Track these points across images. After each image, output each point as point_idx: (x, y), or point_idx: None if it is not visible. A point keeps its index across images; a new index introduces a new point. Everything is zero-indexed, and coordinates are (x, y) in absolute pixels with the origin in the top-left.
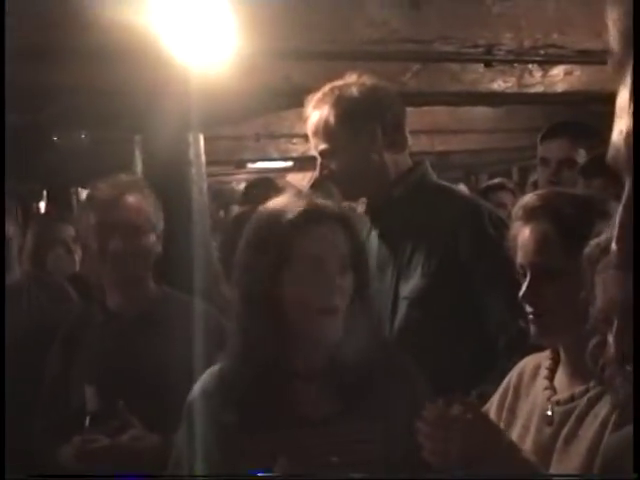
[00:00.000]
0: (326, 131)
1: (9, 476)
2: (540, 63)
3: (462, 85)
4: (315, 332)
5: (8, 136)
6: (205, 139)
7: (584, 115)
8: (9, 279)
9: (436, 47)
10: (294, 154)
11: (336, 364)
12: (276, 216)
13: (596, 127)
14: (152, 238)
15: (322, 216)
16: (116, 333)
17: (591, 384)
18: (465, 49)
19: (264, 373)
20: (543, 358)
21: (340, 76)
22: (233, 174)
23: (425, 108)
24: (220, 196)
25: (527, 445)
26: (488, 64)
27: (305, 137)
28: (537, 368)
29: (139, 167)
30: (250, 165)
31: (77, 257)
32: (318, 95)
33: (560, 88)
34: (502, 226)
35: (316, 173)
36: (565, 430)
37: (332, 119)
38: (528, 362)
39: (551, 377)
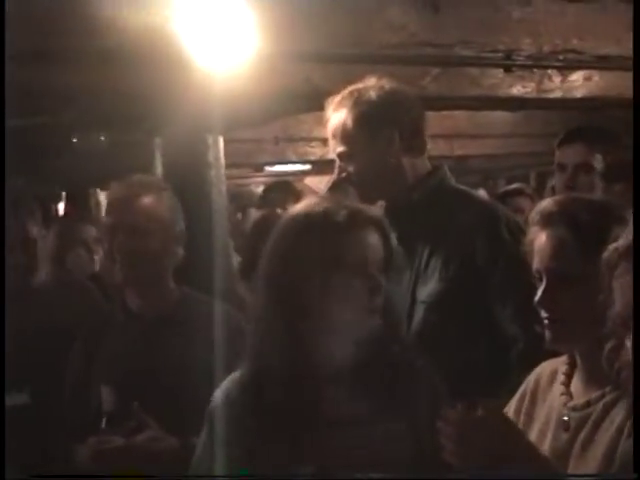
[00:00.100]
0: (344, 134)
1: (9, 476)
2: (559, 68)
3: (481, 90)
4: (361, 331)
5: (28, 138)
6: (224, 142)
7: (602, 120)
8: (35, 280)
9: (456, 51)
10: (312, 157)
11: (361, 364)
12: (321, 219)
13: (613, 132)
14: (166, 240)
15: (365, 220)
16: (136, 333)
17: (607, 389)
18: (485, 54)
19: (290, 376)
20: (560, 363)
21: (360, 79)
22: (251, 177)
23: (444, 112)
24: (238, 199)
25: (544, 450)
26: (507, 69)
27: (323, 140)
28: (554, 373)
29: (159, 169)
30: (268, 168)
31: (97, 257)
32: (337, 98)
33: (579, 93)
34: (519, 232)
35: (334, 175)
36: (582, 436)
37: (350, 122)
38: (545, 367)
39: (567, 382)
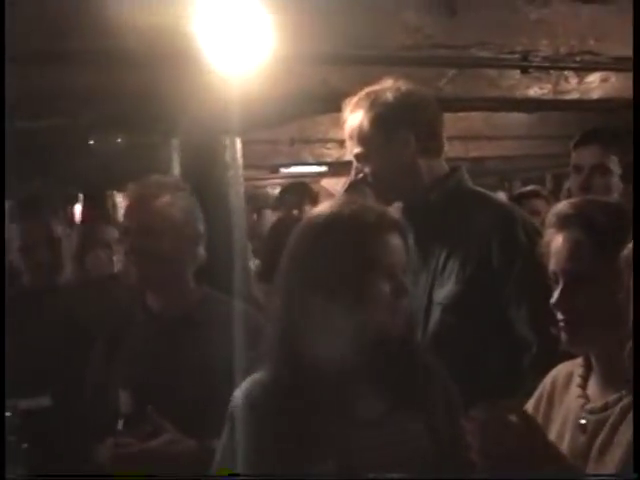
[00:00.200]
0: (360, 135)
1: (9, 476)
2: (576, 70)
3: (499, 91)
4: (384, 333)
5: (45, 139)
6: (240, 143)
7: (619, 122)
8: (60, 279)
9: (473, 53)
10: (328, 159)
11: (380, 365)
12: (352, 221)
13: (629, 133)
14: (181, 240)
15: (390, 223)
16: (156, 334)
17: (624, 392)
18: (502, 55)
19: (311, 377)
20: (575, 365)
21: (377, 81)
22: (267, 178)
23: (460, 114)
24: (253, 200)
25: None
26: (524, 70)
27: (339, 142)
28: (570, 375)
29: (176, 171)
30: (284, 170)
31: (115, 258)
32: (354, 99)
33: (596, 95)
34: (535, 234)
35: (351, 176)
36: (599, 439)
37: (366, 123)
38: (560, 369)
39: (584, 385)
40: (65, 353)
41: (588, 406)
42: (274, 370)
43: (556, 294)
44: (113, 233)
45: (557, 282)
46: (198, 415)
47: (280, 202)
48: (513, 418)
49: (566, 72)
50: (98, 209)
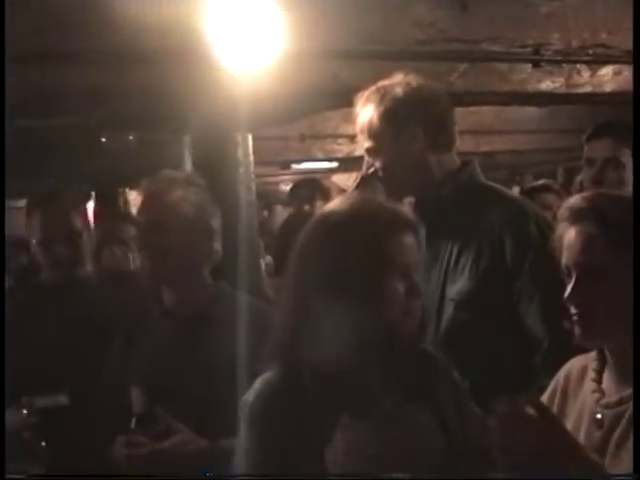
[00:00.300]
0: (371, 130)
1: (9, 476)
2: (588, 63)
3: (510, 85)
4: (395, 332)
5: (57, 138)
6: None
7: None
8: (80, 274)
9: (484, 47)
10: (339, 155)
11: (391, 362)
12: (369, 218)
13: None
14: (193, 235)
15: (405, 222)
16: (170, 330)
17: (632, 381)
18: (513, 49)
19: (321, 375)
20: (589, 360)
21: (388, 76)
22: (278, 175)
23: (470, 108)
24: (264, 196)
25: None
26: (536, 64)
27: (350, 137)
28: (584, 370)
29: (188, 167)
30: (295, 166)
31: (131, 256)
32: (366, 94)
33: (608, 88)
34: (548, 230)
35: (363, 170)
36: (616, 434)
37: (376, 118)
38: (574, 363)
39: (599, 379)
40: (83, 350)
41: (603, 401)
42: (283, 369)
43: (569, 288)
44: (130, 230)
45: (570, 276)
46: (211, 414)
47: (291, 198)
48: (532, 412)
49: (578, 65)
50: (110, 207)
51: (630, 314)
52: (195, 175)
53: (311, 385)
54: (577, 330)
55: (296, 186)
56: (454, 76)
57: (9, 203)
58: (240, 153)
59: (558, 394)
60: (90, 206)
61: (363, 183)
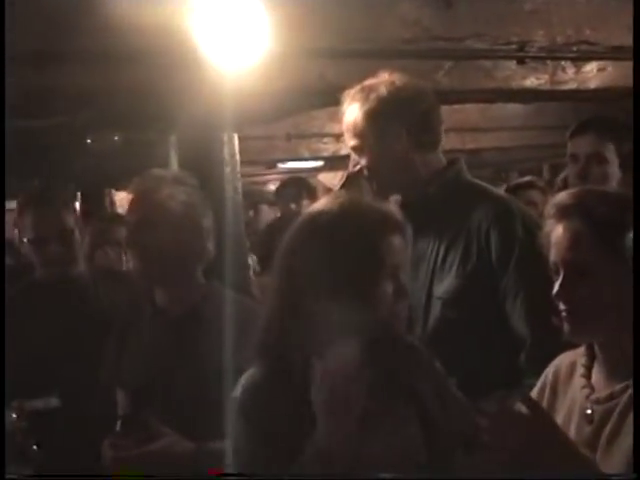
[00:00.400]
0: (355, 129)
1: (9, 476)
2: (573, 60)
3: (495, 82)
4: (391, 332)
5: (42, 138)
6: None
7: (617, 111)
8: (73, 272)
9: (468, 44)
10: (325, 154)
11: (375, 361)
12: (358, 220)
13: (624, 121)
14: (181, 234)
15: (395, 223)
16: (161, 330)
17: (630, 381)
18: (497, 46)
19: (303, 376)
20: (578, 355)
21: (373, 74)
22: (264, 174)
23: (456, 106)
24: (250, 196)
25: None
26: (521, 61)
27: (336, 136)
28: (573, 365)
29: (174, 167)
30: (281, 165)
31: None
32: (351, 92)
33: (593, 84)
34: (534, 228)
35: (349, 168)
36: (607, 429)
37: (360, 117)
38: (563, 359)
39: (588, 375)
40: (77, 349)
41: (593, 396)
42: (267, 367)
43: (557, 285)
44: (122, 231)
45: (558, 273)
46: (201, 415)
47: (278, 197)
48: (523, 409)
49: (563, 62)
50: (96, 207)
51: (618, 309)
52: (186, 174)
53: (293, 384)
54: (566, 326)
55: (283, 185)
56: (440, 74)
57: None
58: (226, 152)
59: (547, 390)
60: (76, 206)
61: (349, 182)
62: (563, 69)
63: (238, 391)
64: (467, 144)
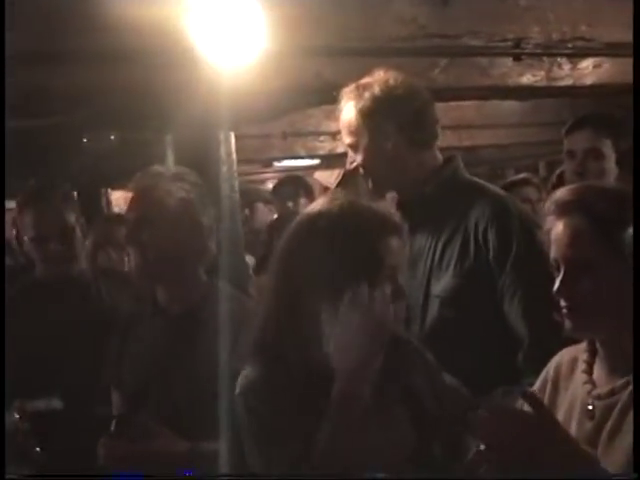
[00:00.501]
0: (350, 127)
1: (9, 476)
2: (569, 56)
3: (491, 79)
4: (389, 332)
5: (38, 138)
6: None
7: (613, 107)
8: (74, 270)
9: (464, 42)
10: (321, 152)
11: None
12: (357, 223)
13: (620, 117)
14: (180, 231)
15: (393, 225)
16: (160, 329)
17: (631, 377)
18: (493, 43)
19: (298, 376)
20: (580, 351)
21: (370, 72)
22: (260, 173)
23: (452, 103)
24: (245, 195)
25: None
26: (517, 58)
27: (332, 135)
28: (574, 361)
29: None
30: (277, 163)
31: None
32: (347, 91)
33: (589, 81)
34: (531, 226)
35: (346, 166)
36: (608, 425)
37: (353, 116)
38: (564, 355)
39: (589, 371)
40: (77, 349)
41: (595, 392)
42: (263, 366)
43: (558, 281)
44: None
45: (558, 269)
46: (195, 414)
47: (275, 195)
48: (525, 406)
49: (559, 59)
50: (93, 207)
51: (619, 305)
52: (187, 171)
53: (289, 384)
54: (567, 323)
55: (280, 183)
56: (436, 71)
57: None
58: (223, 151)
59: (548, 386)
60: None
61: (345, 180)
62: (559, 66)
63: (238, 391)
64: (463, 141)
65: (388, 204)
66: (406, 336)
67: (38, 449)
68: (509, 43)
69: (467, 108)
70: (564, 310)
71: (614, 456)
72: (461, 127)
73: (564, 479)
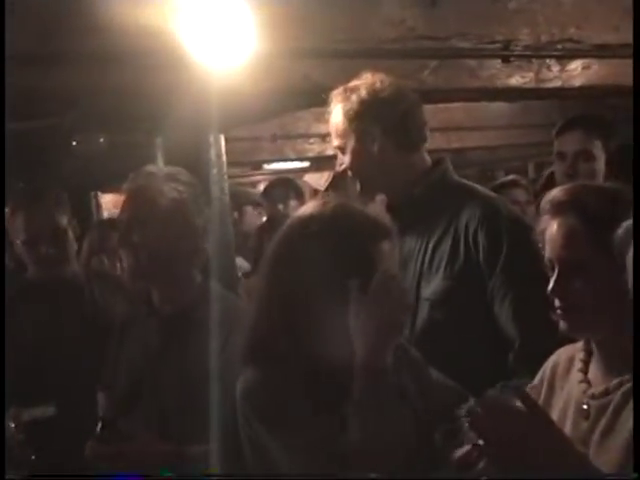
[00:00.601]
0: (337, 130)
1: (9, 476)
2: (557, 58)
3: (480, 81)
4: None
5: (27, 141)
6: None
7: (602, 109)
8: (67, 272)
9: (453, 43)
10: (311, 154)
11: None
12: (350, 228)
13: (609, 118)
14: (171, 232)
15: (385, 230)
16: (154, 329)
17: (625, 377)
18: (482, 45)
19: (294, 381)
20: (576, 350)
21: (359, 74)
22: (249, 175)
23: (441, 105)
24: (235, 197)
25: None
26: (505, 60)
27: (322, 137)
28: (571, 360)
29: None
30: (266, 166)
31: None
32: (335, 93)
33: (578, 82)
34: (522, 229)
35: (336, 168)
36: (601, 424)
37: (341, 119)
38: (561, 354)
39: (585, 370)
40: (69, 351)
41: (590, 391)
42: (260, 370)
43: (552, 281)
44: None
45: (553, 269)
46: (185, 417)
47: (265, 198)
48: (518, 404)
49: (548, 60)
50: (82, 210)
51: (615, 305)
52: (181, 171)
53: (284, 389)
54: (561, 323)
55: (270, 186)
56: (425, 73)
57: None
58: (213, 153)
59: (545, 385)
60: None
61: (335, 182)
62: (548, 67)
63: (240, 396)
64: (452, 143)
65: (378, 207)
66: (405, 344)
67: (34, 457)
68: (498, 45)
69: (456, 110)
70: (559, 310)
71: (606, 456)
72: (450, 129)
73: (564, 479)
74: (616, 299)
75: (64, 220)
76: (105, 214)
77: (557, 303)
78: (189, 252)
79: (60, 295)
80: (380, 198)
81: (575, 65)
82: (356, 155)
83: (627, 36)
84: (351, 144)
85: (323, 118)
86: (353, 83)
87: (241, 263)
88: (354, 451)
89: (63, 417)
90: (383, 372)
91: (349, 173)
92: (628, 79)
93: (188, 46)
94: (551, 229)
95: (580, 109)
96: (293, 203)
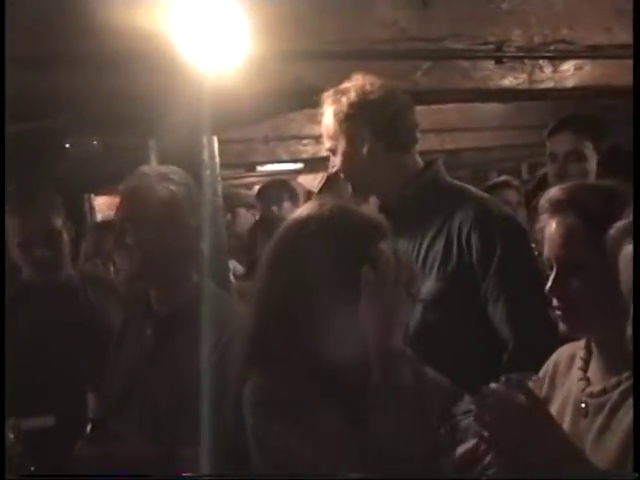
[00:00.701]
0: (328, 132)
1: (9, 476)
2: (550, 59)
3: (473, 82)
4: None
5: (21, 143)
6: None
7: (595, 109)
8: (62, 275)
9: (446, 45)
10: (304, 156)
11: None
12: (348, 229)
13: (601, 119)
14: (163, 232)
15: (383, 231)
16: (150, 330)
17: (623, 376)
18: (475, 46)
19: (297, 386)
20: (578, 348)
21: (351, 76)
22: (242, 177)
23: (434, 106)
24: (228, 199)
25: None
26: (499, 61)
27: (315, 138)
28: (572, 358)
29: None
30: (260, 168)
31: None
32: (326, 95)
33: (571, 83)
34: (515, 230)
35: (329, 169)
36: (598, 422)
37: (330, 121)
38: (563, 351)
39: (585, 368)
40: (64, 354)
41: (588, 389)
42: (268, 377)
43: (550, 280)
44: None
45: (551, 268)
46: (174, 420)
47: (259, 200)
48: (521, 398)
49: (540, 61)
50: (76, 212)
51: (613, 304)
52: (176, 171)
53: (301, 383)
54: (560, 322)
55: (265, 187)
56: (418, 74)
57: None
58: (206, 155)
59: (546, 382)
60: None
61: (328, 184)
62: (541, 68)
63: (249, 404)
64: (446, 144)
65: (372, 208)
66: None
67: (33, 468)
68: (491, 46)
69: (449, 111)
70: (557, 310)
71: (602, 454)
72: (443, 130)
73: (564, 479)
74: (615, 299)
75: (58, 222)
76: (99, 216)
77: (555, 302)
78: (184, 252)
79: (55, 298)
80: (374, 200)
81: (568, 66)
82: (347, 157)
83: (619, 37)
84: (342, 146)
85: (316, 119)
86: (343, 85)
87: (234, 265)
88: (374, 439)
89: (57, 419)
90: (400, 353)
91: (341, 175)
92: (621, 80)
93: (181, 48)
94: (549, 228)
95: (573, 110)
96: (287, 205)
